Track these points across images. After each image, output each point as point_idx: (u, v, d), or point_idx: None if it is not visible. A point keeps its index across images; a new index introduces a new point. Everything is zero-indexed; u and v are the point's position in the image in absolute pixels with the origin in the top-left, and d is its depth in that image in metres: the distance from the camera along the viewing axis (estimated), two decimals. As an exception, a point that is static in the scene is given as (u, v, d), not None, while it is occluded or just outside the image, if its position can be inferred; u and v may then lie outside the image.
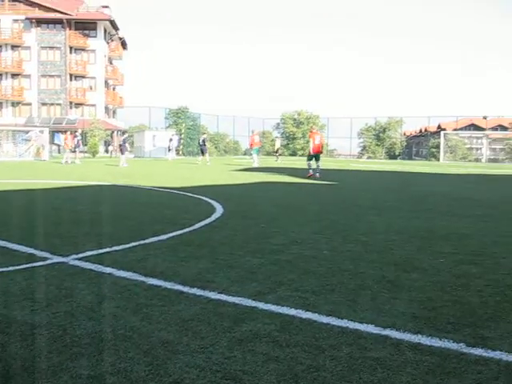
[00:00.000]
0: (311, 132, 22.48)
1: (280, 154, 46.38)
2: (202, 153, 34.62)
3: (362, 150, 78.48)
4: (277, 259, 5.85)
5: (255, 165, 30.71)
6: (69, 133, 36.62)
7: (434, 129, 71.66)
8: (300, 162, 36.54)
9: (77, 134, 35.82)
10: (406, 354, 3.28)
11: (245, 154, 53.06)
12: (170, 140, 42.21)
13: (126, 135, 33.65)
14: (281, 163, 37.70)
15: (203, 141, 34.97)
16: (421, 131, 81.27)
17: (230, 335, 3.54)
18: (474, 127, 77.28)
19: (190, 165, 32.16)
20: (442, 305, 4.26)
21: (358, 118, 69.80)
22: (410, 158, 71.60)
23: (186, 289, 4.61)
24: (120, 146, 30.84)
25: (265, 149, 67.07)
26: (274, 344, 3.41)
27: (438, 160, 57.45)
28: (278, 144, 47.70)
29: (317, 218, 9.31)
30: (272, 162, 40.24)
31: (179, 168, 28.07)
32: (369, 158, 71.00)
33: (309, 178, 20.29)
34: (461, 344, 3.43)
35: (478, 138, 74.99)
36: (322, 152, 21.91)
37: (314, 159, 21.24)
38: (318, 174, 20.63)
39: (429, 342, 3.47)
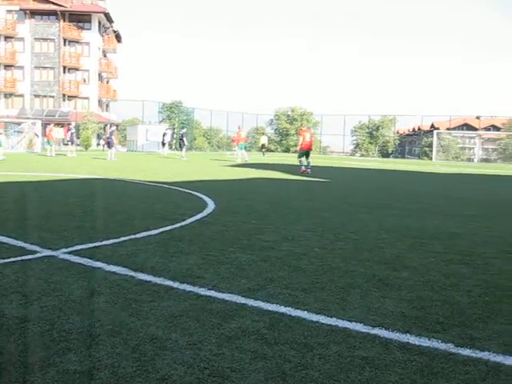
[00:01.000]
0: (301, 129, 23.00)
1: (267, 150, 46.69)
2: (181, 147, 35.13)
3: (355, 147, 78.63)
4: (267, 256, 5.84)
5: (239, 160, 31.04)
6: (52, 125, 36.14)
7: (427, 128, 71.84)
8: (292, 159, 36.57)
9: (71, 126, 35.45)
10: (394, 353, 3.28)
11: (259, 150, 52.91)
12: (164, 134, 42.04)
13: (113, 128, 33.28)
14: (268, 159, 37.90)
15: (181, 135, 35.36)
16: (414, 130, 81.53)
17: (219, 332, 3.53)
18: (467, 127, 77.55)
19: (182, 159, 32.09)
20: (431, 304, 4.27)
21: (351, 116, 69.71)
22: (403, 157, 71.76)
23: (175, 284, 4.59)
24: (107, 139, 30.57)
25: (257, 145, 67.12)
26: (263, 341, 3.40)
27: (431, 159, 57.63)
28: (263, 140, 48.32)
29: (308, 215, 9.31)
30: (263, 158, 40.31)
31: (172, 162, 28.00)
32: (362, 155, 71.10)
33: (301, 174, 20.64)
34: (449, 344, 3.44)
35: (470, 137, 75.26)
36: (311, 149, 22.31)
37: (304, 156, 21.56)
38: (309, 170, 21.04)
39: (417, 341, 3.48)
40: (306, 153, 21.49)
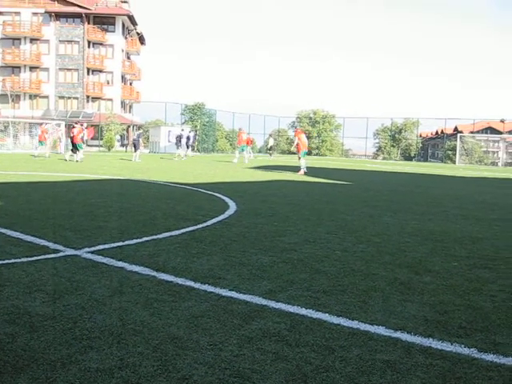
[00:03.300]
0: (297, 131, 23.79)
1: (272, 152, 47.31)
2: (187, 147, 35.28)
3: (377, 150, 78.40)
4: (289, 258, 5.83)
5: (235, 161, 31.14)
6: (45, 124, 34.96)
7: (450, 131, 71.19)
8: (312, 162, 36.50)
9: (82, 127, 33.34)
10: (416, 357, 3.25)
11: (259, 152, 53.08)
12: (188, 138, 42.21)
13: (140, 131, 33.15)
14: (274, 160, 38.16)
15: (194, 136, 35.39)
16: (437, 133, 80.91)
17: (240, 333, 3.53)
18: (491, 130, 76.78)
19: (204, 161, 32.20)
20: (453, 309, 4.23)
21: (373, 119, 69.26)
22: (426, 160, 71.26)
23: (197, 285, 4.61)
24: (134, 141, 30.62)
25: (279, 147, 67.25)
26: (284, 343, 3.40)
27: (454, 162, 57.10)
28: (271, 142, 48.57)
29: (330, 217, 9.28)
30: (284, 160, 40.27)
31: (194, 164, 28.10)
32: (384, 158, 70.75)
33: (304, 174, 21.48)
34: (472, 349, 3.40)
35: (494, 141, 74.41)
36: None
37: (303, 156, 22.47)
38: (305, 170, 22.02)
39: (440, 346, 3.44)
40: (306, 153, 22.61)
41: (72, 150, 26.20)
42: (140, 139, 30.10)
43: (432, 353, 3.33)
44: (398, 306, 4.24)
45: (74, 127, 26.88)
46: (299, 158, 22.51)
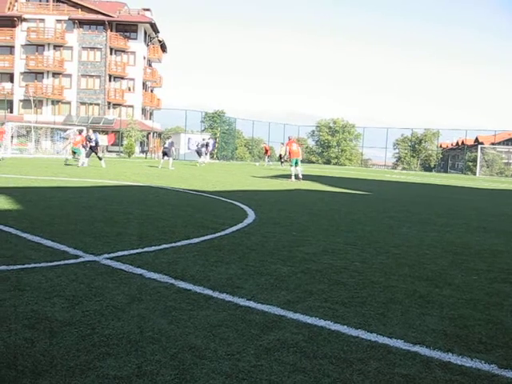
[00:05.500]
0: (288, 142, 25.52)
1: (286, 160, 47.64)
2: (206, 154, 36.61)
3: (396, 160, 78.03)
4: (307, 268, 5.81)
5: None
6: (4, 126, 33.79)
7: (471, 142, 70.66)
8: (331, 171, 36.38)
9: (87, 133, 30.73)
10: (435, 372, 3.22)
11: (278, 160, 52.96)
12: (207, 144, 42.38)
13: (171, 139, 32.64)
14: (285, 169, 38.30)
15: (213, 144, 36.18)
16: (457, 144, 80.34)
17: (258, 343, 3.52)
18: (512, 142, 76.01)
19: (223, 169, 32.28)
20: (474, 323, 4.17)
21: (394, 129, 68.96)
22: (446, 171, 70.78)
23: (215, 294, 4.61)
24: (164, 149, 30.25)
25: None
26: (302, 355, 3.38)
27: (474, 174, 56.64)
28: (282, 150, 48.72)
29: (349, 228, 9.23)
30: (282, 167, 40.25)
31: (213, 172, 28.17)
32: (403, 169, 70.37)
33: (294, 181, 22.37)
34: (492, 365, 3.35)
35: (516, 153, 73.62)
36: (300, 157, 24.14)
37: (295, 164, 23.48)
38: (297, 178, 22.89)
39: (459, 361, 3.40)
40: (296, 161, 23.41)
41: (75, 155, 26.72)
42: (172, 148, 30.03)
43: (451, 368, 3.29)
44: (417, 320, 4.20)
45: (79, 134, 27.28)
46: (290, 166, 23.96)
